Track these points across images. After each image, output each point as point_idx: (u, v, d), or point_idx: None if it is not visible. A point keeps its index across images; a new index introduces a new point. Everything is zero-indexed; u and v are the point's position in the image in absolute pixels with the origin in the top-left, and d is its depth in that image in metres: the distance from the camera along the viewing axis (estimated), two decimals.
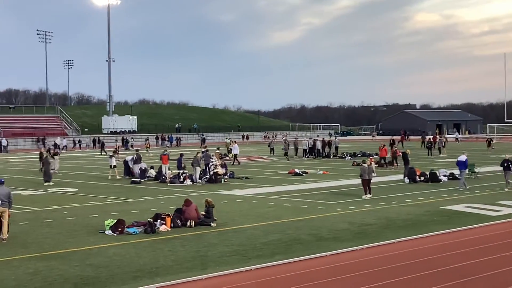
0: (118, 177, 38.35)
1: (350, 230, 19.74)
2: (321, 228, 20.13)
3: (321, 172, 41.58)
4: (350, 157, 55.66)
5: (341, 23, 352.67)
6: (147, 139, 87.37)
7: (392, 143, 58.98)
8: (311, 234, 19.11)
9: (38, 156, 43.51)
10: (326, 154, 58.42)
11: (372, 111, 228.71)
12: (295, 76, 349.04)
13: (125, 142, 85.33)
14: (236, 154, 50.81)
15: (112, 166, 38.95)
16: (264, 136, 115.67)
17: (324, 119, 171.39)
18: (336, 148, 60.32)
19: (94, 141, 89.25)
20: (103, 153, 68.88)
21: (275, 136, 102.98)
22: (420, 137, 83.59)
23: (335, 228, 20.05)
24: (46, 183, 35.26)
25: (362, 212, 23.69)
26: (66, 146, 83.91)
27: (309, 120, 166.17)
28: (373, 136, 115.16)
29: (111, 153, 41.48)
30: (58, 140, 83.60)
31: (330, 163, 50.31)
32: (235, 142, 57.05)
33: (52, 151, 47.32)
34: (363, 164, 29.03)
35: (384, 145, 47.87)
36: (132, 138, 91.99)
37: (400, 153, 41.30)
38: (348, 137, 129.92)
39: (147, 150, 68.17)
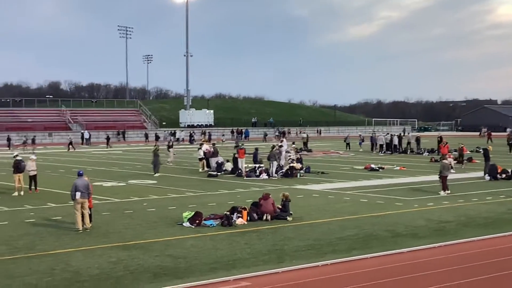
0: (200, 170, 39.08)
1: (427, 227, 19.44)
2: (398, 224, 19.92)
3: (398, 168, 41.05)
4: (428, 153, 54.61)
5: (419, 16, 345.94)
6: (204, 133, 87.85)
7: (440, 140, 56.95)
8: (387, 230, 18.94)
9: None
10: (403, 150, 57.58)
11: (451, 106, 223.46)
12: (371, 71, 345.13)
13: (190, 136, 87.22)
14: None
15: (200, 159, 40.21)
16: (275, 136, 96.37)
17: (400, 115, 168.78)
18: (409, 143, 59.34)
19: (171, 134, 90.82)
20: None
21: (299, 133, 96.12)
22: (505, 133, 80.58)
23: (412, 225, 19.79)
24: (156, 174, 36.64)
25: (440, 209, 23.27)
26: (183, 138, 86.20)
27: (386, 116, 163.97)
28: (482, 134, 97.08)
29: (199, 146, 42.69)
30: (178, 133, 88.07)
31: (407, 159, 49.56)
32: (282, 137, 57.05)
33: (169, 143, 48.87)
34: (444, 161, 28.49)
35: (447, 143, 46.53)
36: (182, 131, 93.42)
37: (467, 151, 39.97)
38: (426, 133, 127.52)
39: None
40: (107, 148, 70.56)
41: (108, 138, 76.41)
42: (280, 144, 42.04)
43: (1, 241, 17.33)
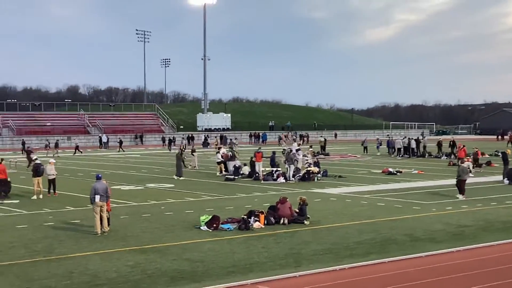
0: (217, 174, 39.19)
1: (446, 231, 19.33)
2: (416, 228, 19.82)
3: (416, 171, 40.85)
4: (446, 157, 54.27)
5: (437, 19, 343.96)
6: (222, 137, 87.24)
7: (453, 145, 56.44)
8: (405, 234, 18.85)
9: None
10: (421, 154, 57.29)
11: (469, 109, 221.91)
12: (389, 74, 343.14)
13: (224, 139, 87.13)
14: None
15: (218, 162, 40.48)
16: (282, 137, 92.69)
17: (418, 118, 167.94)
18: (424, 147, 59.00)
19: (188, 138, 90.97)
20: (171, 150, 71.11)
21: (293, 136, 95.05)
22: None
23: (431, 229, 19.68)
24: (177, 177, 36.80)
25: (459, 213, 23.13)
26: (209, 143, 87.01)
27: (403, 119, 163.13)
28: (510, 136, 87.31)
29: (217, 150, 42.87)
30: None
31: (425, 163, 49.31)
32: (294, 140, 57.03)
33: (193, 148, 49.33)
34: (462, 164, 28.32)
35: (464, 146, 46.17)
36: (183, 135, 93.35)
37: (481, 155, 39.69)
38: (444, 137, 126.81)
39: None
40: (118, 151, 70.88)
41: (120, 142, 76.43)
42: (297, 147, 41.98)
43: (20, 244, 17.47)
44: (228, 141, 79.66)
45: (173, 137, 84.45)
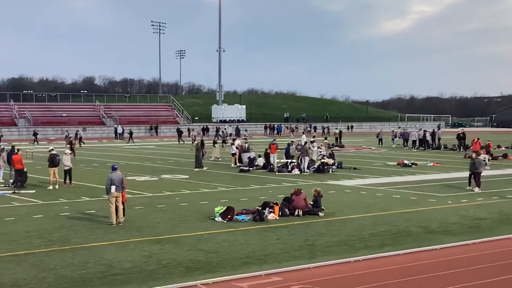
0: (232, 165, 39.24)
1: (461, 224, 19.23)
2: (431, 220, 19.73)
3: (431, 163, 40.66)
4: (460, 150, 53.92)
5: (454, 11, 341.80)
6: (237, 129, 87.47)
7: (463, 137, 55.43)
8: (420, 226, 18.78)
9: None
10: (436, 146, 56.99)
11: (486, 102, 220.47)
12: (404, 66, 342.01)
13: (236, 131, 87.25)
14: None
15: (232, 154, 40.58)
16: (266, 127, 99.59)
17: (434, 110, 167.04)
18: (439, 139, 58.62)
19: (203, 129, 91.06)
20: (180, 142, 71.38)
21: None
22: None
23: (446, 221, 19.59)
24: (198, 169, 36.88)
25: (475, 205, 23.00)
26: (231, 133, 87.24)
27: (419, 111, 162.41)
28: None
29: (231, 141, 43.00)
30: (230, 129, 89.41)
31: (440, 155, 49.05)
32: (302, 132, 56.85)
33: (215, 139, 49.58)
34: (478, 157, 28.15)
35: (478, 139, 45.79)
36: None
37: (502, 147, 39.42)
38: (459, 129, 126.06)
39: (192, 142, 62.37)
40: (127, 142, 71.05)
41: (130, 133, 75.75)
42: (312, 139, 41.90)
43: (36, 234, 17.59)
44: (222, 133, 79.84)
45: (183, 129, 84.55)
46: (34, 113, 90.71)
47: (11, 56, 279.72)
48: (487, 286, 12.48)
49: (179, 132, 76.50)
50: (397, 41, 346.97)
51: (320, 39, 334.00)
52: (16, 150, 29.71)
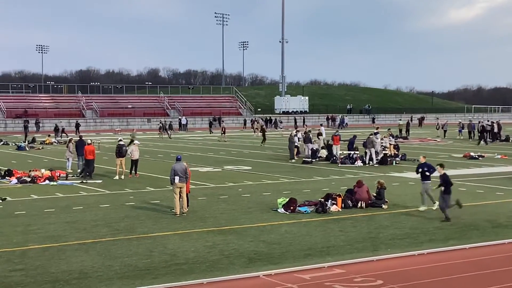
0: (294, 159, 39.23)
1: None
2: (499, 214, 19.27)
3: (499, 156, 39.65)
4: None
5: None
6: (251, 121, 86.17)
7: (482, 130, 53.50)
8: (487, 220, 18.37)
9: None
10: (505, 138, 55.51)
11: None
12: (471, 56, 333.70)
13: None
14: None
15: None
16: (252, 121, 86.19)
17: (502, 101, 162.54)
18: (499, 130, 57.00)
19: (266, 121, 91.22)
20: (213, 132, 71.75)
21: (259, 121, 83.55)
22: None
23: None
24: (293, 161, 37.00)
25: None
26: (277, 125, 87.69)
27: (486, 102, 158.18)
28: None
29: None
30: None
31: (509, 147, 47.76)
32: (321, 124, 56.10)
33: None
34: None
35: None
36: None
37: None
38: None
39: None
40: (210, 134, 71.35)
41: (170, 126, 69.27)
42: (375, 131, 41.38)
43: (103, 223, 18.03)
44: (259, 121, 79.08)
45: (214, 119, 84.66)
46: (100, 105, 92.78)
47: (79, 48, 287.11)
48: None
49: (210, 124, 77.29)
50: (464, 30, 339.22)
51: (384, 29, 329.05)
52: (89, 141, 30.23)
